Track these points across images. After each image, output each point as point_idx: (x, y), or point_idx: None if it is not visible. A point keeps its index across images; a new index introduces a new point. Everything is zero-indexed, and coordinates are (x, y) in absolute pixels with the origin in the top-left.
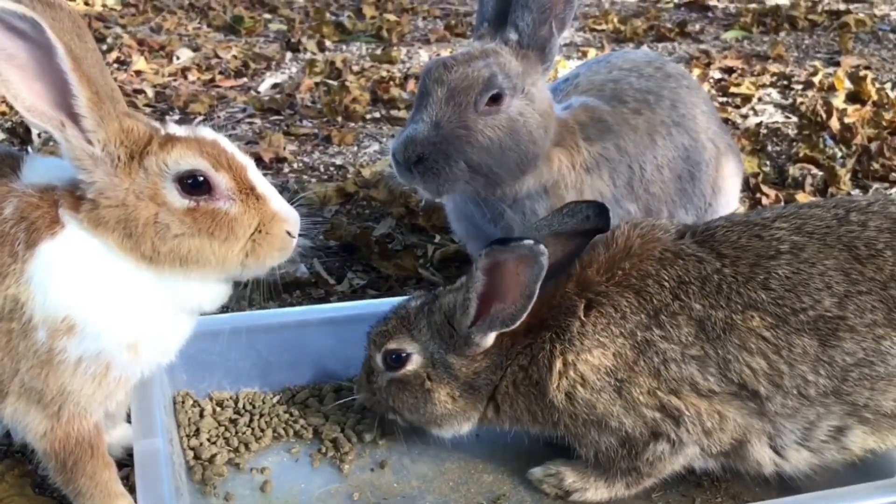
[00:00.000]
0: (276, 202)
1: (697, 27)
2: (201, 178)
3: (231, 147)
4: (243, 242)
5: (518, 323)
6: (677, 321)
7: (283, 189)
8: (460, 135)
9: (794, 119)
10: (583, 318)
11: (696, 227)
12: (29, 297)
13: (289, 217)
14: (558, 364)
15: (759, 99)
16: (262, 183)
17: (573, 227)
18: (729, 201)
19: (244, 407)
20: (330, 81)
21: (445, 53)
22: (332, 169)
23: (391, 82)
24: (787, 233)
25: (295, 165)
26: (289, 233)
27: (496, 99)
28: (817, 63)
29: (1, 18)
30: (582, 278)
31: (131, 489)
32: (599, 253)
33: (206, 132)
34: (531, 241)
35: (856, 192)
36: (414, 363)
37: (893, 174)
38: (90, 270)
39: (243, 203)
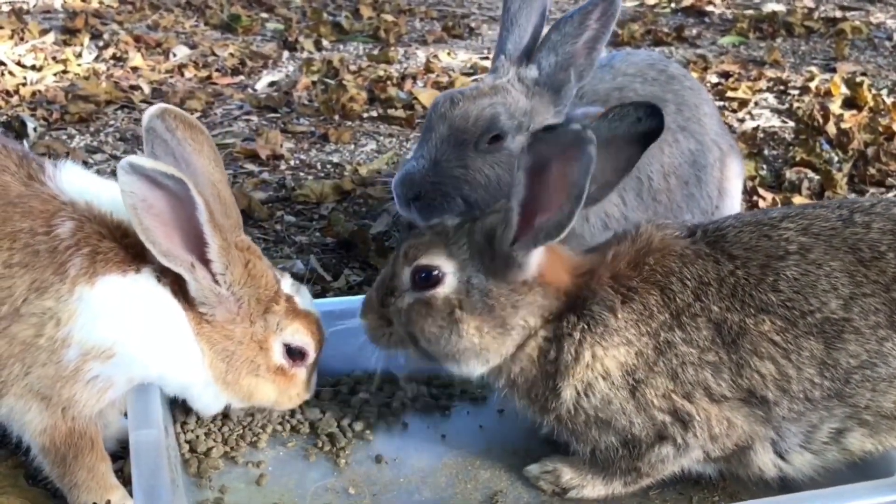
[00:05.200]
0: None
1: (694, 32)
2: (302, 352)
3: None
4: (287, 396)
5: (563, 235)
6: (697, 323)
7: (280, 186)
8: (458, 174)
9: (791, 124)
10: (618, 314)
11: (706, 226)
12: (71, 317)
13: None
14: (587, 356)
15: (756, 103)
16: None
17: (626, 132)
18: (733, 203)
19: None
20: (327, 80)
21: (442, 54)
22: (328, 166)
23: (388, 82)
24: (794, 233)
25: (292, 163)
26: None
27: (498, 138)
28: (814, 69)
29: (149, 175)
30: (616, 270)
31: (125, 481)
32: (626, 246)
33: (309, 303)
34: (577, 127)
35: (852, 196)
36: (447, 286)
37: (890, 179)
38: (155, 325)
39: (307, 371)
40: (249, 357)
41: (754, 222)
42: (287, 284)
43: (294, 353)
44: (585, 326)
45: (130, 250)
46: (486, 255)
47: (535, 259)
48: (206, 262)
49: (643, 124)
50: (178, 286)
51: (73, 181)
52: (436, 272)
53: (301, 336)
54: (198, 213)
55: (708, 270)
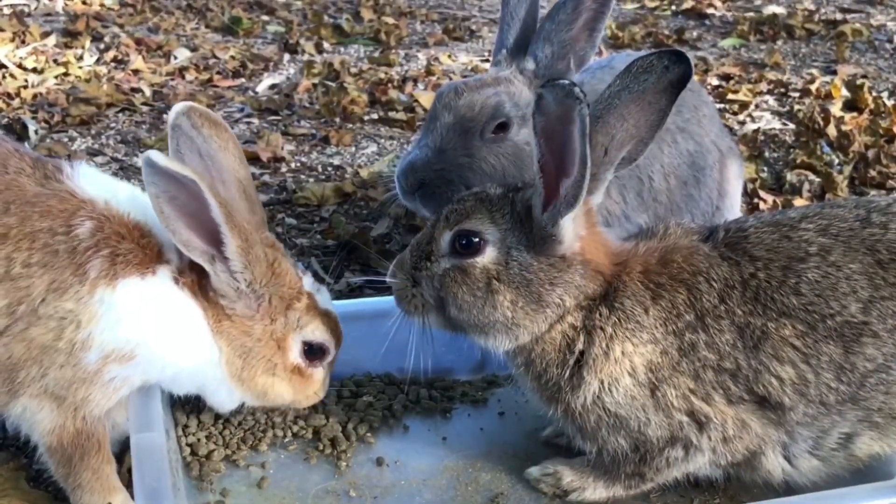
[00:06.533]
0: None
1: (695, 34)
2: (322, 349)
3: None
4: (303, 395)
5: (580, 202)
6: (721, 326)
7: (281, 188)
8: (463, 162)
9: (792, 126)
10: (649, 311)
11: (727, 226)
12: (92, 320)
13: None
14: (617, 351)
15: (757, 106)
16: None
17: (655, 83)
18: (733, 204)
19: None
20: (328, 83)
21: (443, 57)
22: (329, 169)
23: (389, 84)
24: (813, 234)
25: (293, 165)
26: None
27: (503, 127)
28: (814, 71)
29: (167, 172)
30: (647, 265)
31: (126, 484)
32: (655, 242)
33: (329, 302)
34: (565, 83)
35: (853, 198)
36: (487, 256)
37: (890, 181)
38: (174, 327)
39: (324, 370)
40: (267, 355)
41: (774, 223)
42: (308, 283)
43: (313, 352)
44: (617, 321)
45: (148, 251)
46: (527, 226)
47: (569, 231)
48: (225, 259)
49: (672, 72)
50: (197, 284)
51: (91, 180)
52: (477, 238)
53: (321, 333)
54: (212, 214)
55: (733, 273)
